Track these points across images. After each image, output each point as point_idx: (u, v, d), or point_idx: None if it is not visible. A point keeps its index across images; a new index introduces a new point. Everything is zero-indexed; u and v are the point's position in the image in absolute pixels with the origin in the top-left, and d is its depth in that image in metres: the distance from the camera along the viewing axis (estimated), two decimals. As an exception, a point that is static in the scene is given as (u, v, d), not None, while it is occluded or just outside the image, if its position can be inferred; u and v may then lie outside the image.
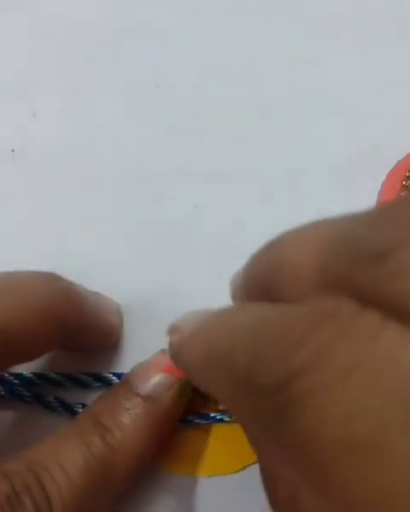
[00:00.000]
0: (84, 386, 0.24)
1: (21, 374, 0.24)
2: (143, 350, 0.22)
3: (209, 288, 0.25)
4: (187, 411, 0.22)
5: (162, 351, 0.22)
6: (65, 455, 0.18)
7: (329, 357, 0.10)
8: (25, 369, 0.24)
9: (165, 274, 0.25)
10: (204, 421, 0.23)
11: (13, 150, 0.27)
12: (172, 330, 0.18)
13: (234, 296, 0.17)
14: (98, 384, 0.24)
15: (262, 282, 0.14)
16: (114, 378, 0.23)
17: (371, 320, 0.10)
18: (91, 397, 0.23)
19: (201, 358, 0.14)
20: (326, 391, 0.10)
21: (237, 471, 0.22)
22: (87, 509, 0.18)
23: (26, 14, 0.29)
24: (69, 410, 0.23)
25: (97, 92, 0.28)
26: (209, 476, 0.23)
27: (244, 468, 0.22)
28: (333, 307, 0.11)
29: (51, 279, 0.20)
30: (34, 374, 0.24)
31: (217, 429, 0.23)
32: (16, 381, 0.24)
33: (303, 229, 0.14)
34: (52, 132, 0.27)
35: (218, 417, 0.23)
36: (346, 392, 0.10)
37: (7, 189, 0.27)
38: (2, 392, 0.23)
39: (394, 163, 0.25)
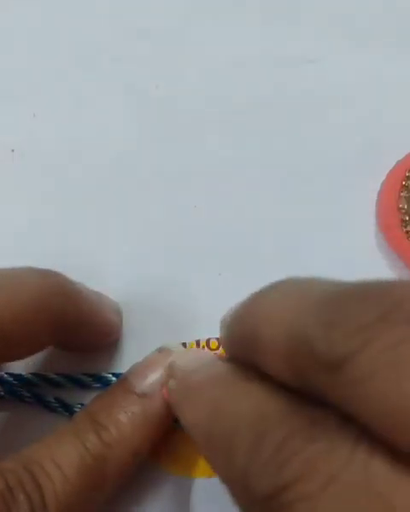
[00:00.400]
0: (84, 386, 0.24)
1: (21, 374, 0.24)
2: (142, 350, 0.22)
3: (209, 288, 0.25)
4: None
5: (159, 349, 0.22)
6: (61, 452, 0.18)
7: (313, 471, 0.12)
8: (24, 369, 0.24)
9: (165, 274, 0.25)
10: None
11: (13, 150, 0.27)
12: (170, 371, 0.19)
13: (222, 338, 0.18)
14: (97, 384, 0.24)
15: (243, 338, 0.16)
16: (114, 378, 0.23)
17: (348, 438, 0.12)
18: (91, 397, 0.23)
19: (199, 432, 0.15)
20: (307, 502, 0.11)
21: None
22: (82, 506, 0.18)
23: (25, 15, 0.29)
24: (69, 411, 0.23)
25: (97, 92, 0.28)
26: (209, 477, 0.23)
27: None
28: (320, 423, 0.12)
29: (46, 275, 0.20)
30: (34, 374, 0.24)
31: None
32: (15, 382, 0.24)
33: (277, 300, 0.15)
34: (52, 132, 0.27)
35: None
36: (322, 505, 0.11)
37: (7, 189, 0.27)
38: (2, 393, 0.23)
39: (394, 163, 0.25)
